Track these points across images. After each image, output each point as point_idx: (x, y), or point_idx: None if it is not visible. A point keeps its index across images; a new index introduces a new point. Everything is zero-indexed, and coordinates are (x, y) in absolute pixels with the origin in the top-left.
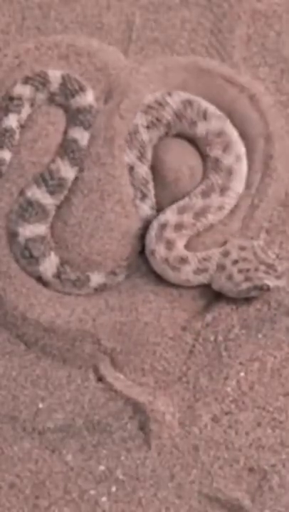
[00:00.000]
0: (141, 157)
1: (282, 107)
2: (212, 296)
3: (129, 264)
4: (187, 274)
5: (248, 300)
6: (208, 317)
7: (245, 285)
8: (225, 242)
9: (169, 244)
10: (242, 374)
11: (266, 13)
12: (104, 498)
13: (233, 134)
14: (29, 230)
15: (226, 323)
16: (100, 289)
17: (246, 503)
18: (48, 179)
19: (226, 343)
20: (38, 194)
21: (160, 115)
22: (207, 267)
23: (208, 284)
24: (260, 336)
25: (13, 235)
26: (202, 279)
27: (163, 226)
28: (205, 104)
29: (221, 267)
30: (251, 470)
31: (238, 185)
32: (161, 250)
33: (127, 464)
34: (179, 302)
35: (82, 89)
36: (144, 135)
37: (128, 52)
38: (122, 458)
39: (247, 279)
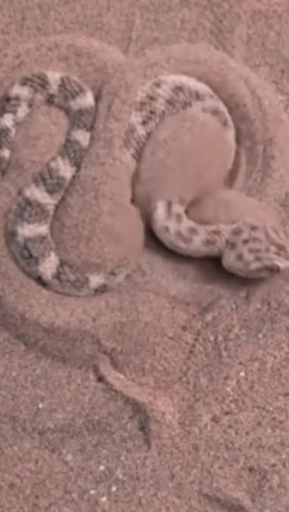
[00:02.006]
0: (135, 154)
1: (283, 106)
2: (212, 296)
3: (129, 264)
4: (197, 244)
5: (248, 300)
6: (208, 317)
7: (254, 265)
8: (236, 221)
9: (179, 218)
10: (242, 374)
11: (266, 13)
12: (104, 498)
13: (226, 112)
14: (28, 230)
15: (225, 323)
16: (100, 290)
17: (246, 503)
18: (47, 178)
19: (226, 343)
20: (36, 193)
21: (153, 108)
22: (215, 240)
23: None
24: (260, 335)
25: (12, 235)
26: (210, 251)
27: (169, 204)
28: (195, 85)
29: (232, 245)
30: (251, 470)
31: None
32: (173, 225)
33: (127, 464)
34: (179, 302)
35: (81, 90)
36: (141, 131)
37: (128, 52)
38: (122, 458)
39: (257, 259)
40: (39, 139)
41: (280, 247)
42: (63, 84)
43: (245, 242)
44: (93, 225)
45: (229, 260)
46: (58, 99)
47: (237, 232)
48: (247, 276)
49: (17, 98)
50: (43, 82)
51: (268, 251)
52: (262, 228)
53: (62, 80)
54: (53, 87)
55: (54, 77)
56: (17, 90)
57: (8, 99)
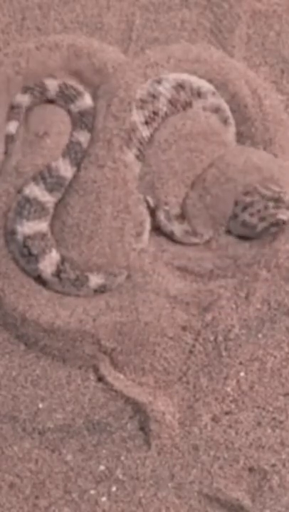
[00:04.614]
0: (139, 155)
1: (283, 106)
2: (212, 296)
3: (129, 265)
4: (208, 233)
5: (248, 300)
6: (208, 317)
7: (261, 226)
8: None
9: (180, 220)
10: (242, 374)
11: (266, 13)
12: (104, 498)
13: (228, 109)
14: (28, 228)
15: (225, 323)
16: (100, 290)
17: (246, 503)
18: (46, 177)
19: (226, 343)
20: (36, 191)
21: (156, 108)
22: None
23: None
24: (260, 335)
25: (11, 233)
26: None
27: (167, 210)
28: (196, 82)
29: (234, 216)
30: (251, 470)
31: None
32: (177, 229)
33: (127, 464)
34: (179, 302)
35: (79, 94)
36: (144, 132)
37: (128, 52)
38: (122, 458)
39: (261, 219)
40: (43, 140)
41: (277, 200)
42: (61, 89)
43: (244, 209)
44: (95, 226)
45: (236, 229)
46: (58, 102)
47: (234, 204)
48: (259, 237)
49: (19, 106)
50: (42, 89)
51: (267, 208)
52: (254, 190)
53: (60, 86)
54: (52, 93)
55: (52, 83)
56: (19, 99)
57: (12, 107)
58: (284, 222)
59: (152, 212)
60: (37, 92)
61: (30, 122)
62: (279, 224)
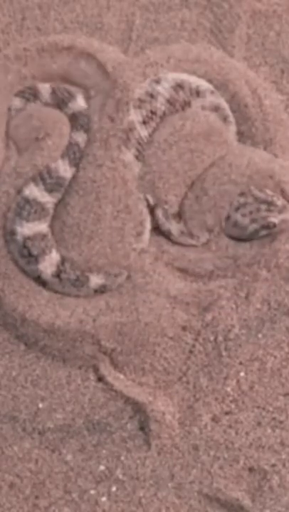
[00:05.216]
0: (138, 155)
1: (283, 106)
2: (212, 296)
3: (130, 265)
4: (204, 236)
5: (248, 300)
6: (208, 317)
7: (252, 227)
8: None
9: (178, 219)
10: (242, 374)
11: (266, 13)
12: (104, 498)
13: (227, 107)
14: (27, 228)
15: (225, 323)
16: (100, 290)
17: (246, 503)
18: (46, 178)
19: (226, 343)
20: (35, 192)
21: (154, 107)
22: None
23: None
24: (260, 335)
25: (11, 234)
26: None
27: (165, 209)
28: (195, 81)
29: (226, 217)
30: (251, 470)
31: None
32: (175, 228)
33: (127, 464)
34: (179, 302)
35: (71, 95)
36: (143, 131)
37: (128, 52)
38: (122, 458)
39: (252, 221)
40: (44, 141)
41: (270, 203)
42: (54, 92)
43: (237, 209)
44: (95, 226)
45: (228, 229)
46: (53, 106)
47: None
48: (249, 239)
49: (8, 109)
50: (35, 93)
51: (260, 210)
52: (248, 192)
53: (52, 88)
54: (45, 96)
55: (45, 87)
56: (11, 102)
57: None
58: (274, 226)
59: (152, 211)
60: (29, 95)
61: (30, 125)
62: (270, 227)
